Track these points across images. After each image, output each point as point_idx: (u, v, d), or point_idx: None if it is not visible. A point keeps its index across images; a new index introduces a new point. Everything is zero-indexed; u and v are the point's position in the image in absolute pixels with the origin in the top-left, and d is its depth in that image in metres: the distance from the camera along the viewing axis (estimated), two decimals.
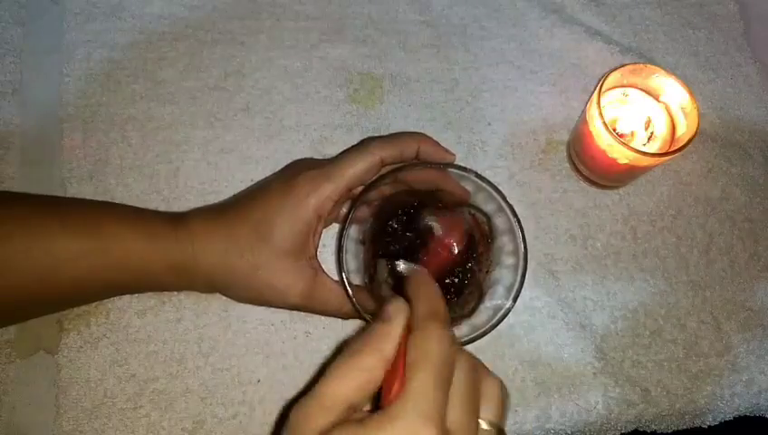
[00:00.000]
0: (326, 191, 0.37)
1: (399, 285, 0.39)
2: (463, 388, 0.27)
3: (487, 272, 0.41)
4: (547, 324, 0.46)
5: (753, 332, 0.48)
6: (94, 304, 0.41)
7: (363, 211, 0.40)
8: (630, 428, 0.46)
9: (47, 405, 0.39)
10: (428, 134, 0.41)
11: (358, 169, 0.38)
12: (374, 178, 0.39)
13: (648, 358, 0.46)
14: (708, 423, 0.47)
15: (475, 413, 0.27)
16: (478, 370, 0.28)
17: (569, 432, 0.45)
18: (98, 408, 0.40)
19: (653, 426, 0.46)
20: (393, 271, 0.39)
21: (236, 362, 0.42)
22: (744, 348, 0.48)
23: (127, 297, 0.42)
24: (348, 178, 0.38)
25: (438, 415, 0.25)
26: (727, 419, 0.47)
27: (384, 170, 0.39)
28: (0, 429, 0.38)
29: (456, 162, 0.40)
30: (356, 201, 0.37)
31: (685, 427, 0.47)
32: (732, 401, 0.47)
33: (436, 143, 0.41)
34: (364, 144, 0.39)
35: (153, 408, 0.40)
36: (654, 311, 0.48)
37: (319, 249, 0.41)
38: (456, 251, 0.42)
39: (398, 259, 0.39)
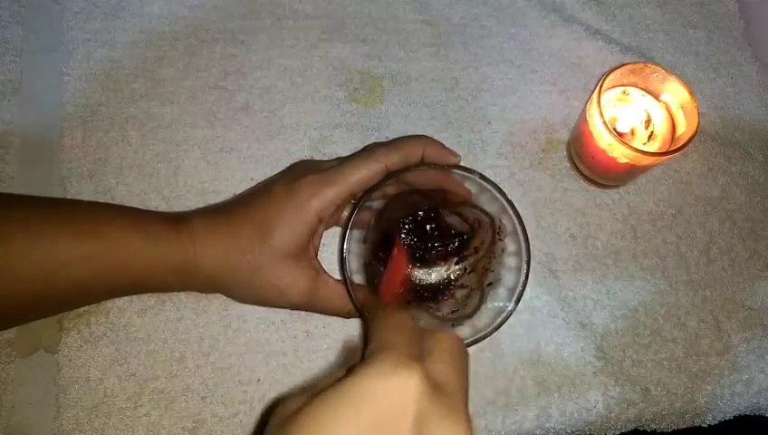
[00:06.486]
0: (328, 196, 0.37)
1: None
2: (456, 353, 0.28)
3: (490, 272, 0.41)
4: (547, 324, 0.46)
5: (753, 331, 0.48)
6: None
7: (366, 213, 0.40)
8: (630, 427, 0.46)
9: (47, 404, 0.39)
10: (429, 133, 0.41)
11: (362, 176, 0.38)
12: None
13: (647, 357, 0.46)
14: (708, 422, 0.47)
15: (464, 376, 0.28)
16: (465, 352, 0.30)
17: (569, 431, 0.45)
18: (98, 407, 0.40)
19: (653, 425, 0.46)
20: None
21: (237, 362, 0.42)
22: (744, 347, 0.48)
23: (127, 296, 0.42)
24: (351, 185, 0.38)
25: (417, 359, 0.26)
26: (727, 418, 0.47)
27: None
28: (0, 428, 0.38)
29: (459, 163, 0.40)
30: (358, 203, 0.37)
31: (685, 426, 0.47)
32: (732, 401, 0.47)
33: (442, 146, 0.41)
34: (369, 151, 0.39)
35: (153, 407, 0.40)
36: (654, 310, 0.48)
37: (319, 247, 0.41)
38: (461, 251, 0.42)
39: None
